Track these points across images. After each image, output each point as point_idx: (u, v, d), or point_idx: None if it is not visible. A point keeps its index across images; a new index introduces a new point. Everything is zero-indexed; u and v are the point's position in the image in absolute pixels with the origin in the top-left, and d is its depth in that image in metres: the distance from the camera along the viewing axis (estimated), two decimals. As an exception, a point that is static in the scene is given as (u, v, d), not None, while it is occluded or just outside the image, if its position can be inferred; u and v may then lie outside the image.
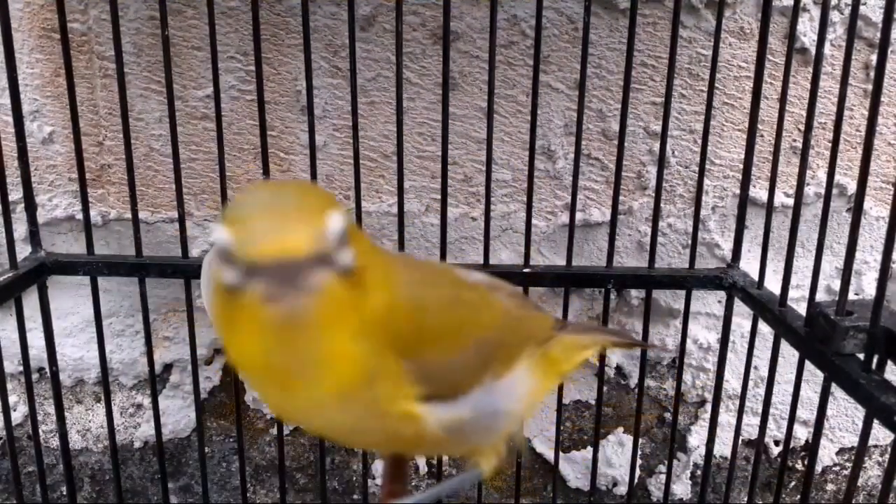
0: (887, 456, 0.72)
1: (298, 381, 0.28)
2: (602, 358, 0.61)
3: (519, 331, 0.35)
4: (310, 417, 0.31)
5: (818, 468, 0.73)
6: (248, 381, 0.34)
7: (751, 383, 0.66)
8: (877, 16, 0.60)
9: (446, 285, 0.34)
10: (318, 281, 0.25)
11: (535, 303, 0.42)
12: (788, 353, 0.56)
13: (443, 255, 0.57)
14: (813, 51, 0.60)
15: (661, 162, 0.55)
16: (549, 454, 0.70)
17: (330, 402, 0.29)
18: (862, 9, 0.59)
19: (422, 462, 0.70)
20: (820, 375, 0.45)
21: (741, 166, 0.57)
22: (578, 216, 0.63)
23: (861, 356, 0.42)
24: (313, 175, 0.54)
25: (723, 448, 0.70)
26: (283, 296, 0.25)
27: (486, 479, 0.70)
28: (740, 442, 0.69)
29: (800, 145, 0.62)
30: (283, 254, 0.25)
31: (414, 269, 0.33)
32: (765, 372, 0.55)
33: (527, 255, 0.57)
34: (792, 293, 0.52)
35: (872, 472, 0.74)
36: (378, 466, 0.71)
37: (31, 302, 0.55)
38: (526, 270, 0.56)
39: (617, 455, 0.70)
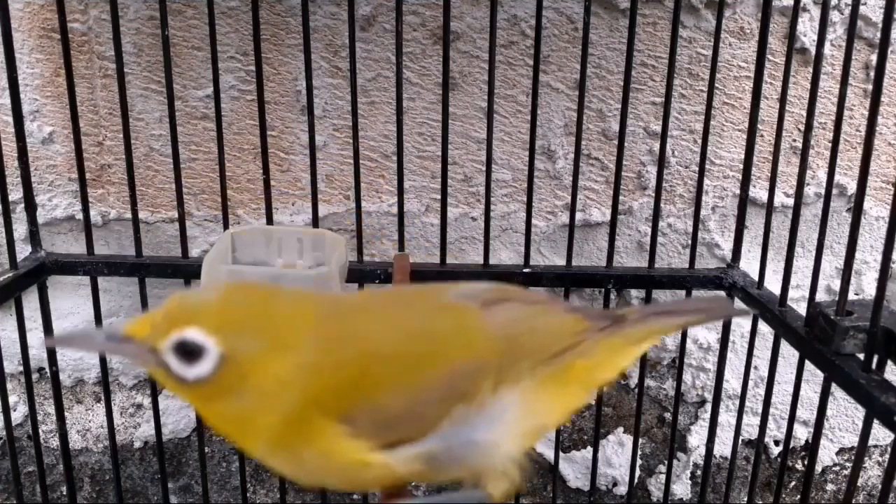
0: (887, 456, 0.71)
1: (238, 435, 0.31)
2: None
3: (512, 352, 0.33)
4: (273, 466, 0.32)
5: (818, 468, 0.73)
6: None
7: (751, 383, 0.66)
8: (877, 16, 0.60)
9: (412, 318, 0.32)
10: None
11: (568, 305, 0.39)
12: (788, 353, 0.56)
13: (443, 255, 0.57)
14: (813, 51, 0.60)
15: (661, 162, 0.55)
16: (549, 454, 0.70)
17: (267, 454, 0.30)
18: (862, 9, 0.59)
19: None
20: (820, 375, 0.45)
21: (741, 166, 0.57)
22: (578, 216, 0.63)
23: (861, 356, 0.42)
24: (313, 175, 0.54)
25: (723, 448, 0.70)
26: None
27: None
28: (740, 442, 0.69)
29: (800, 145, 0.62)
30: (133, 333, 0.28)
31: (381, 309, 0.33)
32: (765, 372, 0.55)
33: (527, 255, 0.57)
34: (792, 293, 0.52)
35: (872, 472, 0.74)
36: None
37: (31, 302, 0.55)
38: (526, 270, 0.56)
39: (617, 455, 0.70)
